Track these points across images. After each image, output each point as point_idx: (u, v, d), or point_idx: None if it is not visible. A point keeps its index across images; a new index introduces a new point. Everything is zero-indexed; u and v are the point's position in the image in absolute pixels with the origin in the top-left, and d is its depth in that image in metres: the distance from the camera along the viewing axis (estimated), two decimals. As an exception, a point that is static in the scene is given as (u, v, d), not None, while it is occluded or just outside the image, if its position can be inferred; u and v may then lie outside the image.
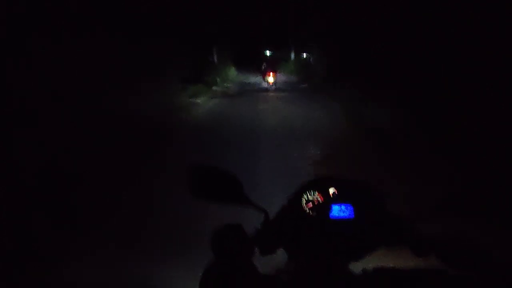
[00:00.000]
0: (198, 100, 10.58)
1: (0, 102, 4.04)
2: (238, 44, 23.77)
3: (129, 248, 2.65)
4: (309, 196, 0.84)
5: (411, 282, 0.67)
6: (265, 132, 6.64)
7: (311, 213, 0.82)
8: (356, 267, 0.78)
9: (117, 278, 2.31)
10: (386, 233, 0.79)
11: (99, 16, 5.90)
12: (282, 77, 17.97)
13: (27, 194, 3.47)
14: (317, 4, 15.10)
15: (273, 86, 13.53)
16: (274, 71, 13.70)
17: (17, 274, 2.40)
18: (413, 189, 3.33)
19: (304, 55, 21.81)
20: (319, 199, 0.84)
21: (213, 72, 15.58)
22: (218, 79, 15.17)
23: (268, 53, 25.53)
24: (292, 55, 23.69)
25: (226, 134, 6.49)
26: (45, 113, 4.43)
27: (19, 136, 4.08)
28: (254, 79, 17.52)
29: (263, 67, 14.40)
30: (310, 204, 0.83)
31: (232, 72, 20.69)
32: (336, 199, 0.83)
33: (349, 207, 0.82)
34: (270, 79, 13.40)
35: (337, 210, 0.82)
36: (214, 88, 13.64)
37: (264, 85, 13.85)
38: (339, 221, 0.82)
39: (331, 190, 0.84)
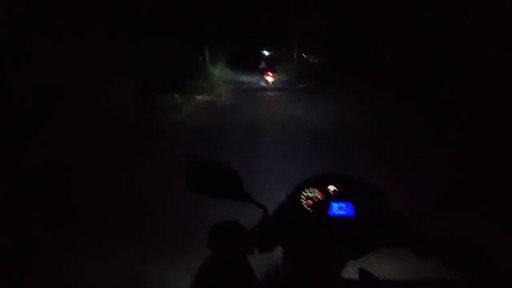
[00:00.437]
0: (172, 117, 7.51)
1: (0, 102, 4.03)
2: (235, 43, 23.01)
3: (128, 247, 2.65)
4: (308, 193, 0.83)
5: (410, 281, 0.66)
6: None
7: (310, 210, 0.81)
8: (355, 265, 0.78)
9: (116, 278, 2.31)
10: (385, 231, 0.78)
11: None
12: (283, 78, 17.69)
13: (27, 194, 3.47)
14: (317, 4, 15.03)
15: (272, 85, 13.46)
16: (273, 71, 13.70)
17: (17, 274, 2.40)
18: (413, 187, 3.32)
19: (304, 55, 21.67)
20: (318, 196, 0.83)
21: (201, 75, 13.41)
22: (206, 84, 12.78)
23: (266, 53, 25.25)
24: (292, 55, 23.31)
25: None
26: (43, 113, 4.42)
27: (19, 136, 4.08)
28: (252, 80, 16.43)
29: (261, 67, 14.31)
30: (310, 202, 0.82)
31: (226, 73, 19.01)
32: (336, 197, 0.82)
33: (348, 205, 0.81)
34: (269, 78, 13.39)
35: (336, 208, 0.81)
36: (198, 97, 10.77)
37: (262, 84, 13.77)
38: (338, 219, 0.81)
39: (331, 188, 0.83)
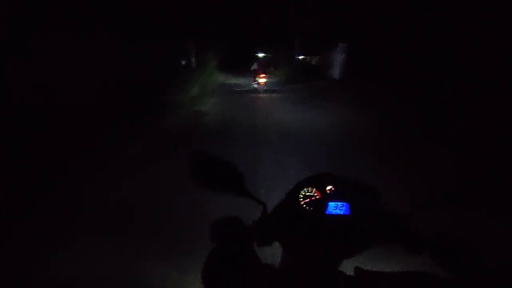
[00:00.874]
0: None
1: (0, 102, 4.03)
2: (229, 45, 21.92)
3: (128, 248, 2.65)
4: (306, 192, 0.85)
5: (404, 280, 0.67)
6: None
7: (307, 209, 0.84)
8: (350, 263, 0.79)
9: (116, 277, 2.31)
10: (381, 230, 0.80)
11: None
12: (280, 80, 17.21)
13: (27, 194, 3.47)
14: (317, 4, 14.98)
15: (264, 87, 13.35)
16: (265, 73, 13.56)
17: (17, 274, 2.40)
18: (413, 188, 3.33)
19: (302, 56, 20.79)
20: (316, 195, 0.85)
21: (183, 85, 10.72)
22: (188, 96, 10.01)
23: (261, 55, 23.90)
24: (292, 57, 21.46)
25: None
26: (44, 113, 4.42)
27: (19, 136, 4.08)
28: (244, 83, 15.36)
29: (252, 68, 14.01)
30: (307, 200, 0.85)
31: (215, 79, 17.06)
32: (333, 196, 0.84)
33: (345, 205, 0.83)
34: (262, 80, 13.24)
35: (332, 207, 0.83)
36: (186, 110, 8.08)
37: (254, 85, 13.57)
38: (335, 217, 0.83)
39: (328, 188, 0.85)
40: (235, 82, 17.45)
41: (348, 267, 0.80)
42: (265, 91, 13.24)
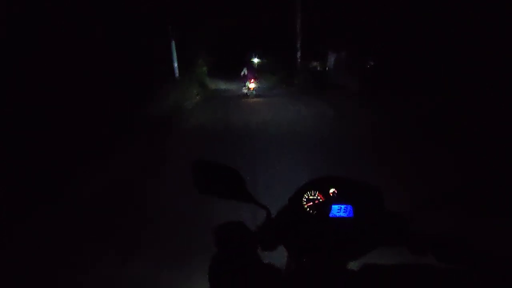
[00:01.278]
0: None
1: (0, 102, 4.03)
2: (219, 49, 20.28)
3: (130, 250, 2.65)
4: (309, 196, 0.86)
5: (409, 281, 0.67)
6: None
7: (311, 212, 0.84)
8: (355, 266, 0.79)
9: (116, 278, 2.31)
10: (385, 232, 0.80)
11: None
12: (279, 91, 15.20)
13: (27, 194, 3.47)
14: (317, 4, 14.87)
15: (254, 92, 13.19)
16: (255, 77, 13.38)
17: (17, 274, 2.40)
18: (412, 188, 3.33)
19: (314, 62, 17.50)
20: (319, 198, 0.85)
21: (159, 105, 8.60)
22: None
23: (256, 60, 22.48)
24: (291, 59, 18.31)
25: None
26: (44, 113, 4.41)
27: (19, 136, 4.08)
28: (236, 90, 14.18)
29: (242, 73, 13.71)
30: (311, 203, 0.85)
31: (203, 90, 14.99)
32: (336, 199, 0.85)
33: (348, 207, 0.83)
34: (251, 85, 13.06)
35: (336, 210, 0.84)
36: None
37: (244, 91, 13.33)
38: (338, 220, 0.83)
39: (331, 190, 0.86)
40: (226, 87, 17.00)
41: (351, 269, 0.80)
42: (255, 96, 13.02)
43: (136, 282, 2.27)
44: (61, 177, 4.04)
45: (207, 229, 0.79)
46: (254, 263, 0.71)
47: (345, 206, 0.84)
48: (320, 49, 15.41)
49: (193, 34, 14.38)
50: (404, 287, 0.67)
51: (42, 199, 3.49)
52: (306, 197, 0.86)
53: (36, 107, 4.51)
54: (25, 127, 4.32)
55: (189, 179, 0.82)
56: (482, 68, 6.03)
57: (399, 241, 0.78)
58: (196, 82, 14.92)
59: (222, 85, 18.29)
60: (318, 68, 16.32)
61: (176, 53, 13.20)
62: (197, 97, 12.90)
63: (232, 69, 17.16)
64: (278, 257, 0.87)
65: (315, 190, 0.86)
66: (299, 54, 17.16)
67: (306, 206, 0.85)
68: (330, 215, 0.83)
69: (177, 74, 13.22)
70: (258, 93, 13.29)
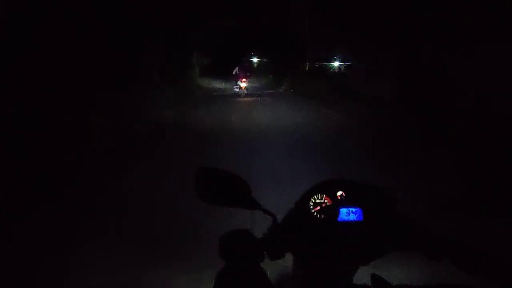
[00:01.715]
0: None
1: (0, 102, 4.02)
2: (218, 49, 19.85)
3: (131, 252, 2.65)
4: (316, 199, 0.83)
5: (422, 286, 0.65)
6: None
7: (319, 216, 0.82)
8: (366, 270, 0.77)
9: (116, 278, 2.31)
10: (395, 236, 0.78)
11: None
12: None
13: (27, 194, 3.46)
14: (317, 4, 14.80)
15: (245, 91, 13.39)
16: (247, 76, 13.67)
17: (17, 274, 2.39)
18: (413, 188, 3.32)
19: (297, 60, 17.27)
20: (327, 202, 0.83)
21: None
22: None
23: (256, 59, 22.61)
24: (297, 60, 17.46)
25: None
26: (44, 113, 4.40)
27: (19, 136, 4.07)
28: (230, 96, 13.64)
29: (234, 72, 13.90)
30: (318, 207, 0.82)
31: (195, 94, 13.89)
32: (344, 202, 0.82)
33: (357, 210, 0.81)
34: (243, 84, 13.30)
35: (345, 213, 0.81)
36: None
37: (236, 90, 13.57)
38: (347, 224, 0.81)
39: (339, 193, 0.83)
40: (219, 87, 17.06)
41: (364, 274, 0.78)
42: (246, 96, 13.23)
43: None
44: (61, 177, 4.04)
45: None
46: (261, 274, 0.69)
47: (354, 209, 0.81)
48: (324, 51, 14.61)
49: (189, 34, 14.33)
50: None
51: (42, 199, 3.48)
52: (313, 201, 0.83)
53: (36, 107, 4.52)
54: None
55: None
56: (482, 68, 6.03)
57: (412, 245, 0.75)
58: (186, 84, 14.38)
59: (216, 85, 18.43)
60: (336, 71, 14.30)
61: (168, 54, 12.79)
62: (185, 101, 11.18)
63: (228, 69, 16.51)
64: (286, 264, 0.84)
65: (322, 193, 0.83)
66: (302, 54, 16.55)
67: (313, 211, 0.82)
68: (339, 219, 0.81)
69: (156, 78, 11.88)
70: (249, 92, 13.48)
